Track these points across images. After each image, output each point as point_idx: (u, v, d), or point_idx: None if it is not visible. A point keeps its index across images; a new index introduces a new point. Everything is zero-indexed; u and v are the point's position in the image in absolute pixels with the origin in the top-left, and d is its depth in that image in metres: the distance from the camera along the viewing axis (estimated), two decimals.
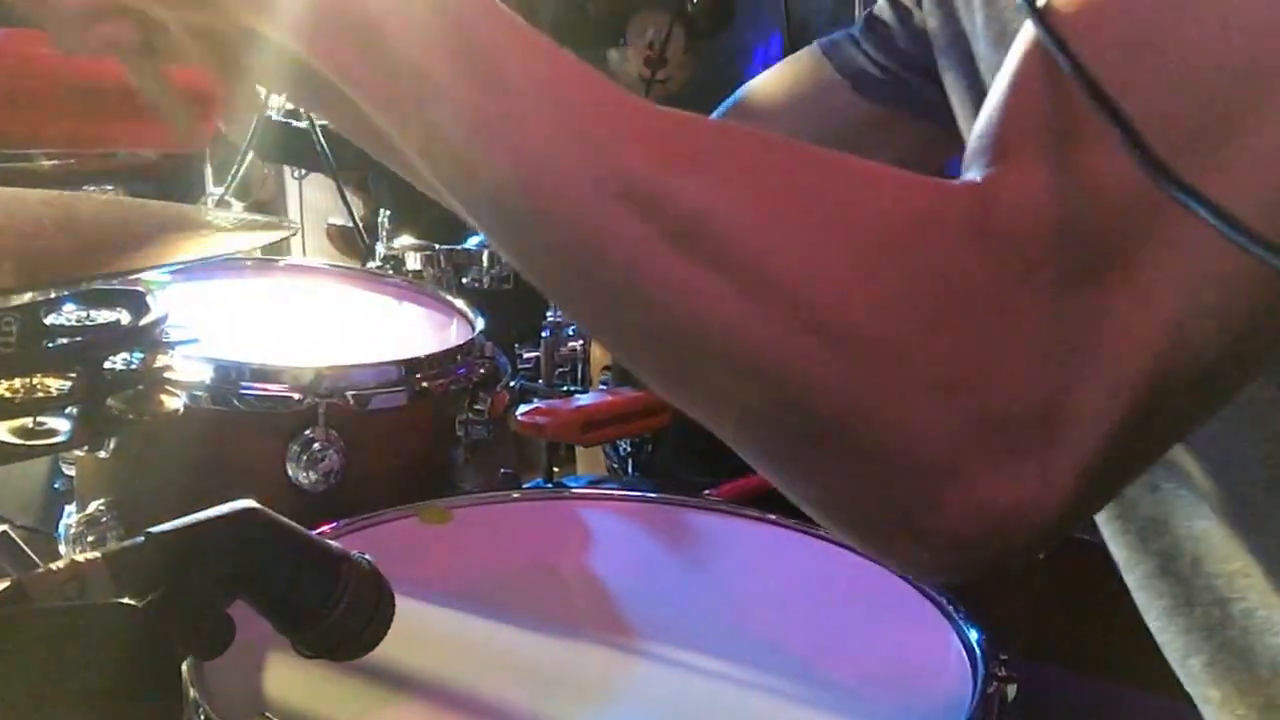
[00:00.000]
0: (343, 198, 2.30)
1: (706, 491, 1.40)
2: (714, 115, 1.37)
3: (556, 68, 0.59)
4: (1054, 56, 0.54)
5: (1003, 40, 0.88)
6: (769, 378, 0.55)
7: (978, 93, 0.98)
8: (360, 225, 2.20)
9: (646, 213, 0.55)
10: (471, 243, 1.83)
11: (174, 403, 0.81)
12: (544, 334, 1.75)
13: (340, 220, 2.46)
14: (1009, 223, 0.54)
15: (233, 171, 1.85)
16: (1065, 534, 0.57)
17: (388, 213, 1.88)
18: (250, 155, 1.92)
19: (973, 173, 0.57)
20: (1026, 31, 0.57)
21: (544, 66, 0.59)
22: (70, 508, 1.34)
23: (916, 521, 0.57)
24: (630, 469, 1.77)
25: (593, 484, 1.64)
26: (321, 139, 2.21)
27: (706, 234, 0.55)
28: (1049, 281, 0.53)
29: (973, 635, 0.99)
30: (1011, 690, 0.92)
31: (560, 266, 0.59)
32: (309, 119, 2.30)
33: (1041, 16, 0.55)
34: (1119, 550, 0.92)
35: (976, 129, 0.59)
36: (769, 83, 1.35)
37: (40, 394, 0.73)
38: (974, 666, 0.95)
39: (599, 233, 0.56)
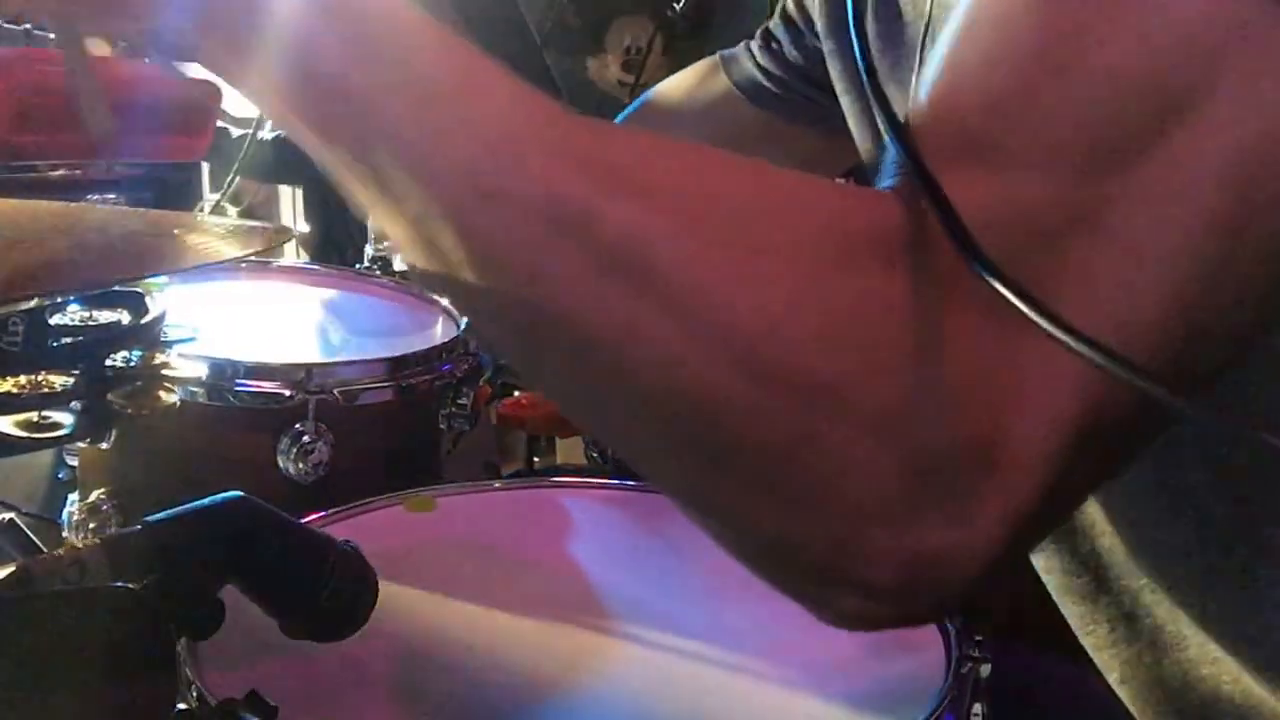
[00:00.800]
0: (342, 204, 2.29)
1: None
2: (619, 119, 1.37)
3: (480, 78, 0.54)
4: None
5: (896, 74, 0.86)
6: (696, 411, 0.51)
7: (870, 115, 0.97)
8: (355, 234, 2.20)
9: (578, 239, 0.50)
10: None
11: (171, 398, 0.82)
12: None
13: (310, 227, 2.45)
14: (924, 245, 0.50)
15: (228, 180, 1.85)
16: (997, 577, 0.53)
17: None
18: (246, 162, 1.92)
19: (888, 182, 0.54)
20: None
21: (466, 76, 0.54)
22: (73, 496, 1.34)
23: (843, 568, 0.53)
24: (609, 459, 1.77)
25: (572, 473, 1.64)
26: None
27: (636, 261, 0.50)
28: (975, 313, 0.49)
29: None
30: (985, 670, 0.92)
31: (486, 295, 0.54)
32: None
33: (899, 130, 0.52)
34: (1037, 558, 0.90)
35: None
36: (672, 89, 1.32)
37: (45, 389, 0.74)
38: (948, 647, 0.95)
39: (528, 260, 0.51)
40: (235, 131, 1.97)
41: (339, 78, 0.52)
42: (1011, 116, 0.50)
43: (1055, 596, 0.89)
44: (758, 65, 1.22)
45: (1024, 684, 1.11)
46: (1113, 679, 0.86)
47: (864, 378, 0.50)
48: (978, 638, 0.94)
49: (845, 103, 1.02)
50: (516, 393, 1.69)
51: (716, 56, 1.27)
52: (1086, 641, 0.88)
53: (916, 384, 0.50)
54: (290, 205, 2.57)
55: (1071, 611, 0.88)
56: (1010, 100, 0.50)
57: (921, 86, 0.54)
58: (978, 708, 0.91)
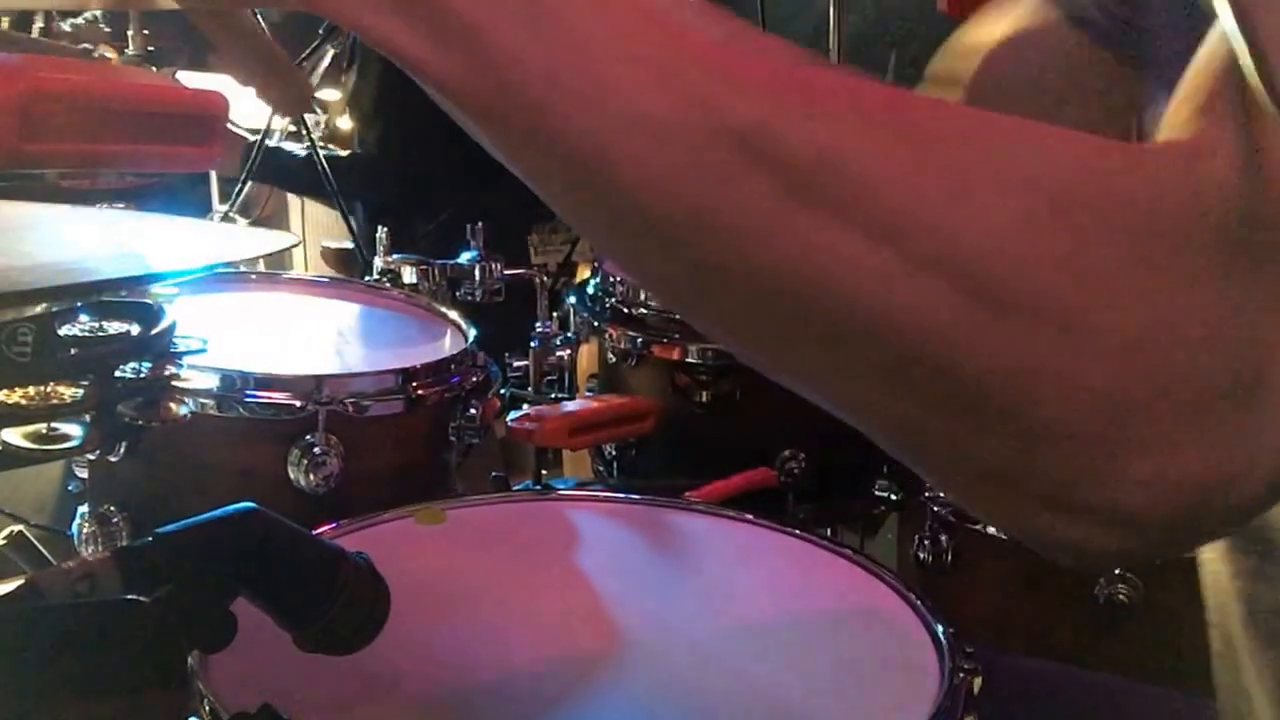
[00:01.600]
0: (344, 216, 2.30)
1: (688, 493, 1.40)
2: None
3: (630, 10, 0.49)
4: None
5: None
6: (904, 339, 0.47)
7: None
8: (361, 244, 2.20)
9: (760, 164, 0.46)
10: (464, 258, 1.83)
11: (181, 409, 0.81)
12: (533, 344, 1.75)
13: (334, 244, 2.47)
14: (1206, 186, 0.47)
15: (236, 190, 1.85)
16: (1264, 511, 0.51)
17: (385, 229, 1.88)
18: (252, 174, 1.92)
19: (1172, 132, 0.50)
20: None
21: (616, 11, 0.49)
22: (83, 509, 1.34)
23: (1088, 498, 0.49)
24: (615, 472, 1.77)
25: (579, 486, 1.64)
26: (323, 162, 2.21)
27: (831, 181, 0.46)
28: (1245, 248, 0.46)
29: (940, 629, 0.99)
30: (977, 682, 0.92)
31: (651, 236, 0.50)
32: (310, 143, 2.30)
33: None
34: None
35: (1181, 86, 0.50)
36: (985, 30, 1.21)
37: (55, 401, 0.73)
38: (941, 659, 0.96)
39: (703, 193, 0.47)
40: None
41: (470, 18, 0.48)
42: None
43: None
44: None
45: (1014, 688, 1.11)
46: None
47: (1104, 303, 0.47)
48: (969, 650, 0.95)
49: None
50: (525, 406, 1.68)
51: None
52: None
53: (1171, 313, 0.47)
54: (299, 217, 2.58)
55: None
56: None
57: None
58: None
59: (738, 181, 0.47)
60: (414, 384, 1.39)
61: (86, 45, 1.95)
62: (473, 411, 1.46)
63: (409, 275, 1.81)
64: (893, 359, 0.48)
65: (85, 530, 1.31)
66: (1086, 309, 0.46)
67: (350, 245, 2.36)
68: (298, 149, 2.46)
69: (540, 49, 0.47)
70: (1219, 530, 0.52)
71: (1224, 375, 0.47)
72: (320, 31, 2.23)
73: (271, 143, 2.01)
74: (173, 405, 0.80)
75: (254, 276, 1.74)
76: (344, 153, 2.79)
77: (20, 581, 0.60)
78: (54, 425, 0.74)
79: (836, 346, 0.49)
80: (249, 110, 2.31)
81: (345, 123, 2.88)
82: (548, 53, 0.47)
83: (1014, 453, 0.49)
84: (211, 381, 1.29)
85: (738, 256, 0.48)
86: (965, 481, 0.54)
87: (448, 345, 1.57)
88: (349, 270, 2.36)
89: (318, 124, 2.90)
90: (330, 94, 2.91)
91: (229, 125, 2.14)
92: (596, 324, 1.75)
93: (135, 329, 0.80)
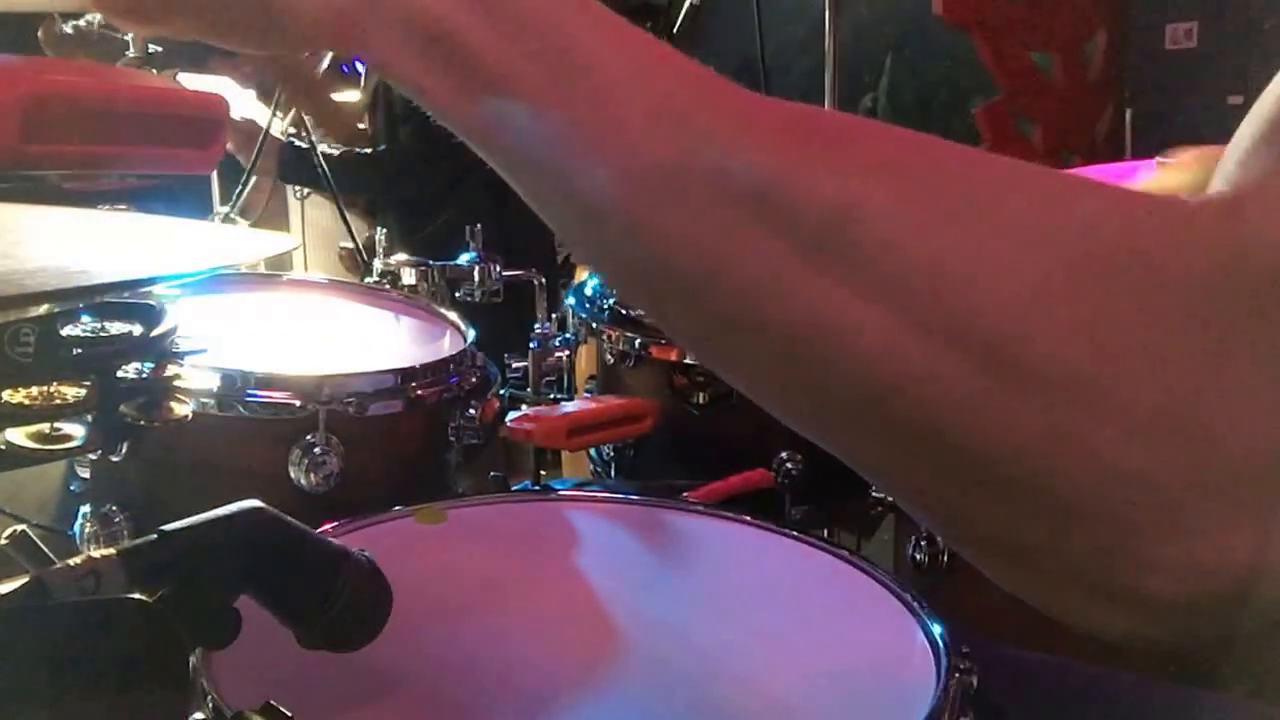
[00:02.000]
0: (342, 217, 2.30)
1: (685, 494, 1.40)
2: None
3: (647, 56, 0.49)
4: None
5: None
6: (920, 409, 0.45)
7: None
8: (359, 245, 2.21)
9: (773, 219, 0.45)
10: (464, 259, 1.83)
11: (183, 409, 0.81)
12: (532, 345, 1.76)
13: (350, 244, 2.48)
14: (1248, 243, 0.43)
15: (237, 191, 1.85)
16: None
17: (384, 230, 1.89)
18: (254, 177, 1.92)
19: (1221, 186, 0.46)
20: None
21: (633, 56, 0.49)
22: (85, 508, 1.34)
23: (1113, 581, 0.46)
24: (613, 472, 1.77)
25: (578, 487, 1.64)
26: (322, 162, 2.22)
27: (848, 240, 0.44)
28: None
29: (936, 629, 0.99)
30: (973, 682, 0.92)
31: (667, 288, 0.49)
32: (310, 141, 2.31)
33: None
34: None
35: (1237, 136, 0.47)
36: None
37: (57, 401, 0.73)
38: (937, 659, 0.95)
39: (715, 248, 0.46)
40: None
41: (496, 68, 0.49)
42: None
43: None
44: None
45: (1009, 681, 1.10)
46: None
47: (1128, 373, 0.43)
48: (965, 650, 0.95)
49: None
50: (524, 407, 1.68)
51: None
52: None
53: (1202, 385, 0.43)
54: (299, 219, 2.58)
55: None
56: None
57: None
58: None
59: (747, 238, 0.45)
60: (413, 384, 1.40)
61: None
62: (472, 412, 1.46)
63: (409, 276, 1.81)
64: (911, 429, 0.46)
65: (87, 530, 1.31)
66: (1109, 380, 0.43)
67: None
68: (300, 144, 2.47)
69: (561, 98, 0.48)
70: (1256, 621, 0.45)
71: (1260, 453, 0.43)
72: None
73: (300, 143, 2.02)
74: (174, 405, 0.80)
75: (254, 277, 1.74)
76: (368, 150, 2.80)
77: (25, 579, 0.60)
78: (56, 425, 0.74)
79: (854, 413, 0.47)
80: (250, 111, 2.32)
81: (362, 124, 2.89)
82: (569, 105, 0.48)
83: (1042, 531, 0.46)
84: (213, 382, 1.29)
85: (750, 313, 0.46)
86: (993, 559, 0.50)
87: (447, 346, 1.57)
88: (359, 268, 2.37)
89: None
90: (348, 96, 2.92)
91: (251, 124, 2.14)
92: (595, 325, 1.75)
93: (137, 329, 0.80)
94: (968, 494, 0.47)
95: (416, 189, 2.73)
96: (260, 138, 2.14)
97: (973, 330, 0.43)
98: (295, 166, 2.44)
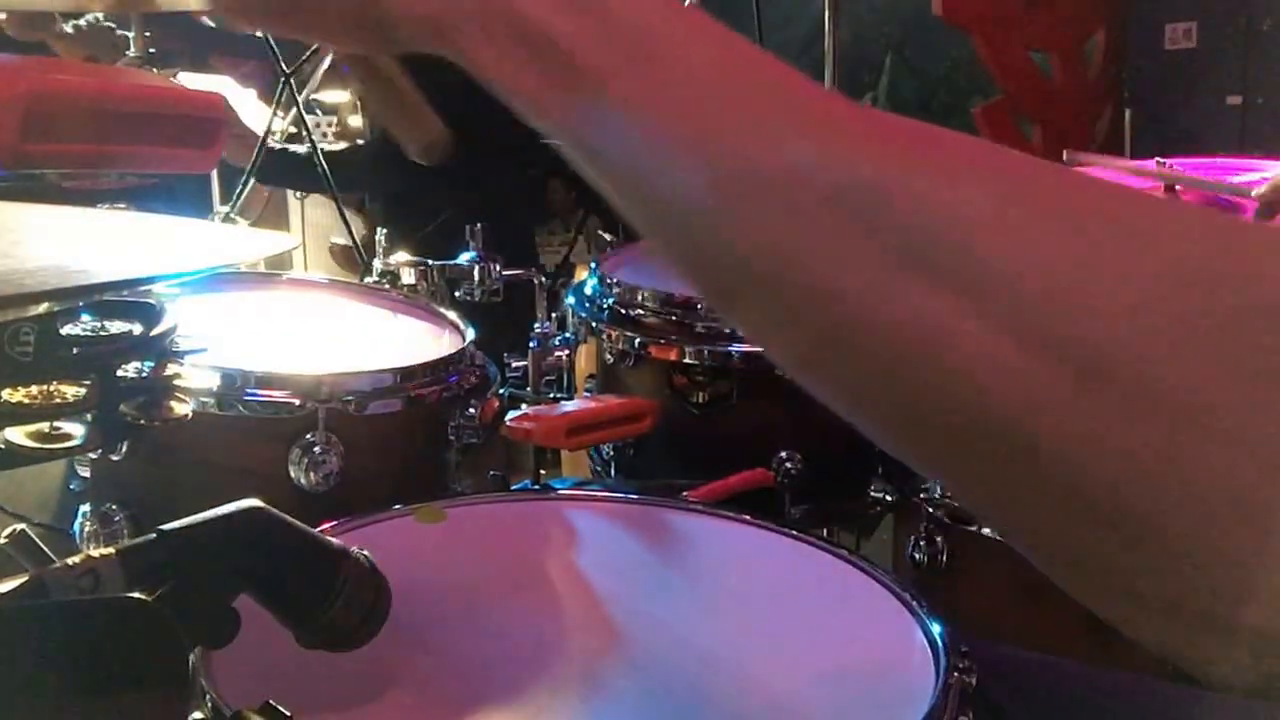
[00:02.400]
0: (342, 217, 2.30)
1: (685, 493, 1.40)
2: None
3: (738, 57, 0.50)
4: None
5: None
6: (1030, 435, 0.42)
7: None
8: (358, 243, 2.21)
9: (865, 223, 0.44)
10: (463, 258, 1.83)
11: (182, 408, 0.81)
12: (532, 344, 1.76)
13: (342, 240, 2.47)
14: None
15: (237, 191, 1.85)
16: None
17: (384, 231, 1.89)
18: (253, 178, 1.92)
19: None
20: None
21: (723, 55, 0.50)
22: (85, 507, 1.34)
23: (1233, 624, 0.42)
24: (613, 472, 1.77)
25: (577, 486, 1.64)
26: (323, 163, 2.22)
27: (942, 248, 0.43)
28: None
29: (935, 629, 0.99)
30: (972, 681, 0.92)
31: (753, 289, 0.48)
32: (310, 144, 2.31)
33: None
34: None
35: None
36: None
37: (57, 400, 0.73)
38: (936, 659, 0.95)
39: (803, 250, 0.45)
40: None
41: (592, 71, 0.50)
42: None
43: None
44: None
45: (1008, 681, 1.09)
46: None
47: (1233, 390, 0.40)
48: (964, 649, 0.95)
49: None
50: (524, 406, 1.68)
51: None
52: None
53: None
54: (299, 218, 2.58)
55: None
56: None
57: None
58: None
59: (843, 242, 0.44)
60: (413, 383, 1.39)
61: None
62: (471, 411, 1.46)
63: (408, 276, 1.81)
64: (1017, 455, 0.43)
65: (87, 529, 1.31)
66: (1214, 404, 0.41)
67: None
68: (302, 150, 2.47)
69: (656, 100, 0.49)
70: None
71: None
72: None
73: (275, 144, 2.01)
74: (174, 404, 0.81)
75: (254, 277, 1.74)
76: (356, 143, 2.79)
77: (24, 578, 0.60)
78: (56, 424, 0.74)
79: (956, 435, 0.45)
80: (250, 113, 2.32)
81: (356, 120, 2.89)
82: (663, 107, 0.48)
83: (1155, 571, 0.43)
84: (212, 381, 1.29)
85: (845, 322, 0.45)
86: (1109, 601, 0.47)
87: (446, 345, 1.57)
88: (355, 266, 2.37)
89: (332, 123, 2.91)
90: (338, 95, 2.92)
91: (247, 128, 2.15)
92: (594, 325, 1.75)
93: (137, 329, 0.80)
94: (1084, 533, 0.44)
95: (400, 182, 2.71)
96: (260, 138, 2.14)
97: (1078, 345, 0.41)
98: (271, 167, 2.43)
